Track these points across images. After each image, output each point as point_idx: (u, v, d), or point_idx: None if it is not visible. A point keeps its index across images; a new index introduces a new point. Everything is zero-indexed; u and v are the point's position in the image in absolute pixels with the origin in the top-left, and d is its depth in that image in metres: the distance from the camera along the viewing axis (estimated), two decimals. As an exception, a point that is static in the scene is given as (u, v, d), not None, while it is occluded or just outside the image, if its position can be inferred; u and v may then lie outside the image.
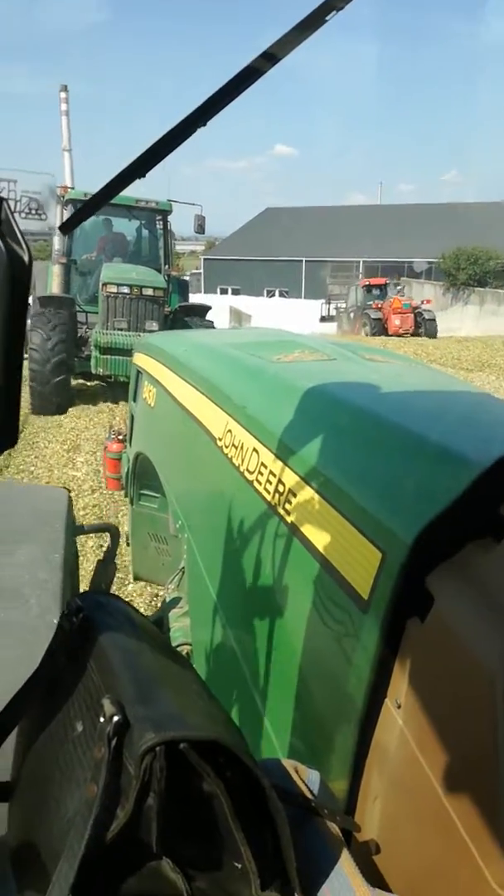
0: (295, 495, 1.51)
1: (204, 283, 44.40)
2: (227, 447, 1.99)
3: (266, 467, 1.68)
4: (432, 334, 21.61)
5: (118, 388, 10.01)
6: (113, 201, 11.30)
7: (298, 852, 0.78)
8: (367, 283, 23.46)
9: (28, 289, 0.54)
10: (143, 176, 0.89)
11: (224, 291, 42.74)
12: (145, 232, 12.07)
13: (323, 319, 26.12)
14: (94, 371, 9.97)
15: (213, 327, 11.23)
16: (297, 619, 1.44)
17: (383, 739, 1.11)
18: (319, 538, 1.36)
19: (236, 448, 1.91)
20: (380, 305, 22.06)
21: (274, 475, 1.63)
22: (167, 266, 11.73)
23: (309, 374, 2.01)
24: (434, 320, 22.09)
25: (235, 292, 41.68)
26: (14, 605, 1.80)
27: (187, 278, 12.93)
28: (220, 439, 2.06)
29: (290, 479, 1.54)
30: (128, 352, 9.03)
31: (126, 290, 9.81)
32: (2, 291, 0.51)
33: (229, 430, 2.00)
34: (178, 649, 2.40)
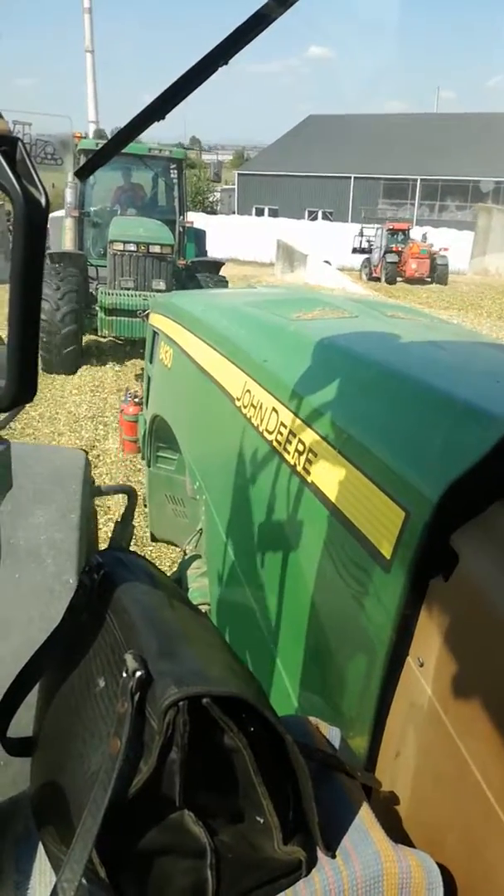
0: (315, 455, 1.49)
1: (237, 202, 39.64)
2: (245, 407, 1.97)
3: (286, 427, 1.66)
4: (443, 280, 22.26)
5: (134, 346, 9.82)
6: (125, 150, 11.11)
7: (320, 807, 0.78)
8: (391, 227, 23.40)
9: (45, 232, 0.51)
10: (163, 118, 0.85)
11: (260, 212, 37.62)
12: (160, 182, 11.66)
13: (355, 251, 24.12)
14: (99, 333, 9.74)
15: (226, 283, 10.91)
16: (318, 578, 1.43)
17: (405, 697, 1.10)
18: (341, 497, 1.34)
19: (255, 408, 1.89)
20: (399, 249, 22.34)
21: (294, 434, 1.61)
22: (182, 217, 11.30)
23: (330, 331, 1.97)
24: (446, 265, 22.49)
25: (273, 213, 36.66)
26: (31, 566, 1.81)
27: (204, 228, 12.43)
28: (239, 399, 2.03)
29: (311, 438, 1.52)
30: (133, 312, 8.75)
31: (133, 247, 9.47)
32: (18, 234, 0.49)
33: (248, 390, 1.98)
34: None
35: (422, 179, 35.79)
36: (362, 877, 0.79)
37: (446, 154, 34.85)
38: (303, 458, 1.54)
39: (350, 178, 36.80)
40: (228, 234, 28.54)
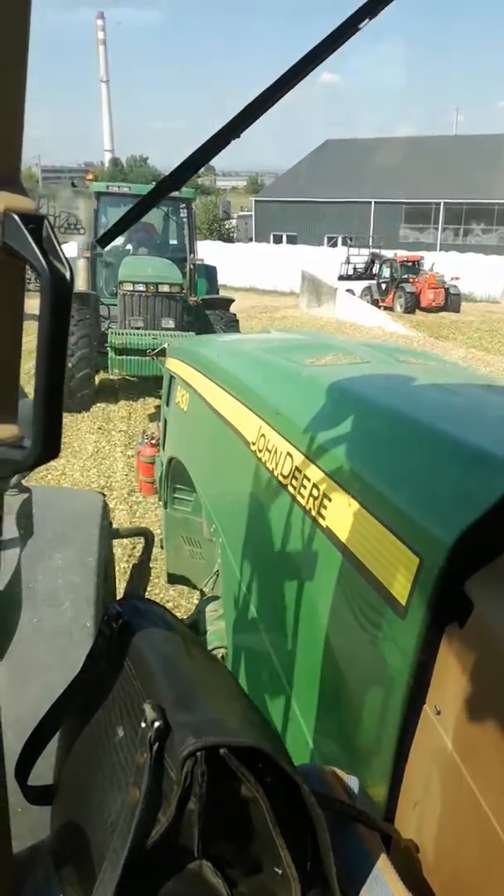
0: (329, 500, 1.50)
1: (255, 229, 38.76)
2: (260, 451, 2.00)
3: (300, 471, 1.68)
4: (456, 308, 22.94)
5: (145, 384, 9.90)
6: (133, 191, 11.30)
7: (338, 858, 0.78)
8: (404, 259, 23.91)
9: (70, 302, 0.55)
10: (179, 189, 0.89)
11: (278, 239, 36.49)
12: (171, 221, 11.94)
13: (341, 279, 23.84)
14: (110, 372, 9.85)
15: (237, 321, 10.99)
16: (334, 623, 1.43)
17: (423, 746, 1.10)
18: (355, 542, 1.36)
19: (270, 452, 1.92)
20: (415, 280, 22.92)
21: (308, 479, 1.63)
22: (192, 255, 11.50)
23: (342, 377, 2.00)
24: (459, 295, 23.21)
25: (291, 240, 35.62)
26: (49, 610, 1.82)
27: (215, 265, 12.58)
28: (254, 444, 2.06)
29: (325, 483, 1.54)
30: (143, 351, 8.83)
31: (142, 287, 9.66)
32: (45, 305, 0.53)
33: (262, 435, 2.01)
34: (214, 652, 2.41)
35: (445, 203, 35.13)
36: None
37: (469, 177, 34.13)
38: (317, 502, 1.56)
39: (370, 203, 36.23)
40: (246, 263, 28.48)
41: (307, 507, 1.60)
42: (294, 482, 1.71)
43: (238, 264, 27.73)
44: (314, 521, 1.55)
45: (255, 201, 40.75)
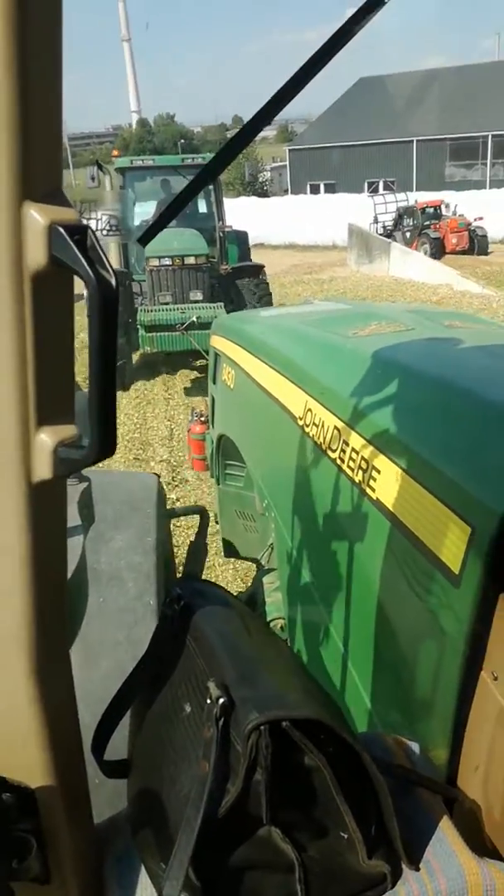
0: (378, 471, 1.51)
1: (290, 180, 36.32)
2: (307, 426, 2.01)
3: (348, 444, 1.69)
4: (484, 250, 21.78)
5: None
6: (158, 163, 11.12)
7: (402, 821, 0.81)
8: (424, 204, 22.73)
9: (117, 308, 0.57)
10: (213, 180, 0.90)
11: (315, 189, 34.19)
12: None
13: (375, 223, 22.41)
14: (141, 350, 9.68)
15: (268, 289, 10.66)
16: (388, 593, 1.45)
17: (482, 710, 1.12)
18: (406, 513, 1.37)
19: (317, 427, 1.93)
20: (437, 226, 21.90)
21: (356, 452, 1.64)
22: (220, 222, 11.12)
23: (387, 347, 1.99)
24: (486, 237, 21.97)
25: (329, 189, 33.56)
26: (113, 590, 1.89)
27: (245, 230, 12.10)
28: (301, 418, 2.08)
29: (373, 455, 1.55)
30: (172, 327, 8.76)
31: (168, 261, 9.45)
32: (93, 312, 0.55)
33: (309, 409, 2.02)
34: (273, 623, 2.46)
35: (493, 136, 31.24)
36: (447, 890, 0.81)
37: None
38: (366, 474, 1.57)
39: (412, 141, 32.73)
40: (283, 218, 26.60)
41: (356, 480, 1.61)
42: (342, 455, 1.72)
43: (274, 220, 26.13)
44: (364, 493, 1.56)
45: (289, 150, 37.75)
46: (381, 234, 22.85)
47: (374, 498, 1.51)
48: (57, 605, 0.70)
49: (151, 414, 9.04)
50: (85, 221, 0.58)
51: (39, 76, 0.51)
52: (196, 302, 9.42)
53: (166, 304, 9.44)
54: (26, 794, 0.72)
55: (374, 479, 1.53)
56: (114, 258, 10.75)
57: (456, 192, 25.39)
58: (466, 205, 23.11)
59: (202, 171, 0.92)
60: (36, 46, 0.50)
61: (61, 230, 0.53)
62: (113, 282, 0.55)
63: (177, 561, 3.22)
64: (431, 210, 22.48)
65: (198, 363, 9.93)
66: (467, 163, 32.87)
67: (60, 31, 0.54)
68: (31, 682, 0.68)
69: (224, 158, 0.89)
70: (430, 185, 27.46)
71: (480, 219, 22.03)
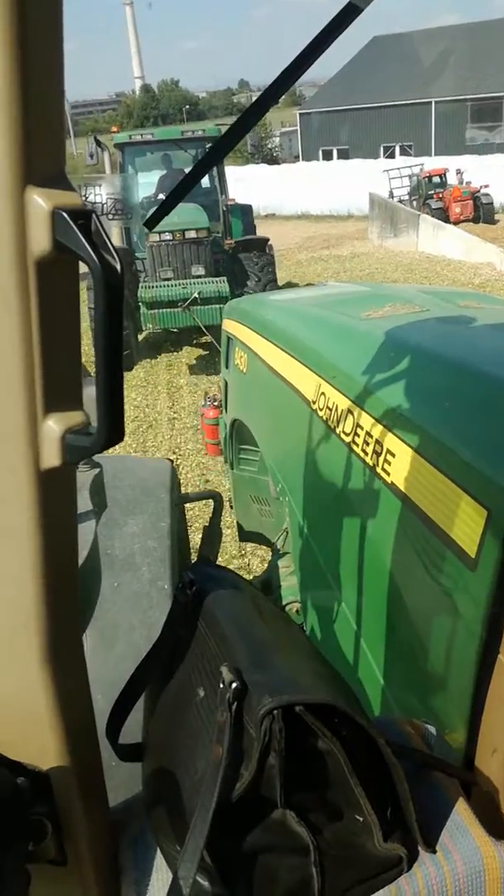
0: (393, 454, 1.50)
1: (301, 146, 34.46)
2: (321, 410, 2.00)
3: (362, 428, 1.68)
4: (490, 219, 20.63)
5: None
6: (159, 137, 10.89)
7: (418, 804, 0.81)
8: (428, 173, 21.68)
9: (122, 293, 0.56)
10: (221, 160, 0.89)
11: (328, 155, 32.24)
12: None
13: (391, 197, 20.79)
14: (143, 328, 9.38)
15: (272, 261, 10.39)
16: (403, 576, 1.44)
17: (499, 694, 1.11)
18: (421, 497, 1.36)
19: (330, 410, 1.92)
20: (441, 195, 20.90)
21: (370, 435, 1.62)
22: (223, 196, 10.88)
23: (400, 330, 1.97)
24: (491, 204, 20.75)
25: (342, 154, 31.51)
26: (127, 574, 1.90)
27: (250, 203, 11.77)
28: (314, 402, 2.06)
29: (387, 438, 1.54)
30: (174, 303, 8.51)
31: (168, 236, 9.19)
32: (98, 297, 0.55)
33: (322, 393, 2.01)
34: (288, 607, 2.47)
35: None
36: (464, 872, 0.81)
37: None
38: (380, 458, 1.56)
39: (430, 102, 30.51)
40: (295, 186, 25.07)
41: (370, 463, 1.60)
42: (356, 439, 1.71)
43: (285, 188, 24.68)
44: (378, 476, 1.55)
45: (300, 114, 35.17)
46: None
47: (389, 481, 1.50)
48: (69, 590, 0.70)
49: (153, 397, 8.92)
50: (85, 197, 0.57)
51: (40, 59, 0.50)
52: (198, 277, 9.18)
53: (168, 279, 9.20)
54: (42, 777, 0.72)
55: (389, 463, 1.52)
56: (115, 237, 10.47)
57: (478, 157, 23.99)
58: (481, 171, 21.92)
59: (208, 153, 0.91)
60: (36, 28, 0.49)
61: (65, 215, 0.53)
62: (118, 267, 0.55)
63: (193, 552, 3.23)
64: (438, 179, 21.50)
65: (203, 339, 9.67)
66: (490, 124, 30.69)
67: (61, 10, 0.53)
68: (45, 666, 0.68)
69: (231, 139, 0.87)
70: (450, 149, 25.71)
71: (486, 186, 20.93)
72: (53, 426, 0.59)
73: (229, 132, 0.87)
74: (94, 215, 0.55)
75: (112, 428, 0.58)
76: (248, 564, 4.87)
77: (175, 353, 10.38)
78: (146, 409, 8.45)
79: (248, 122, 0.85)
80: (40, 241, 0.53)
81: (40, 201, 0.52)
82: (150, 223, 1.02)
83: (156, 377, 9.62)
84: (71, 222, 0.52)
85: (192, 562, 2.61)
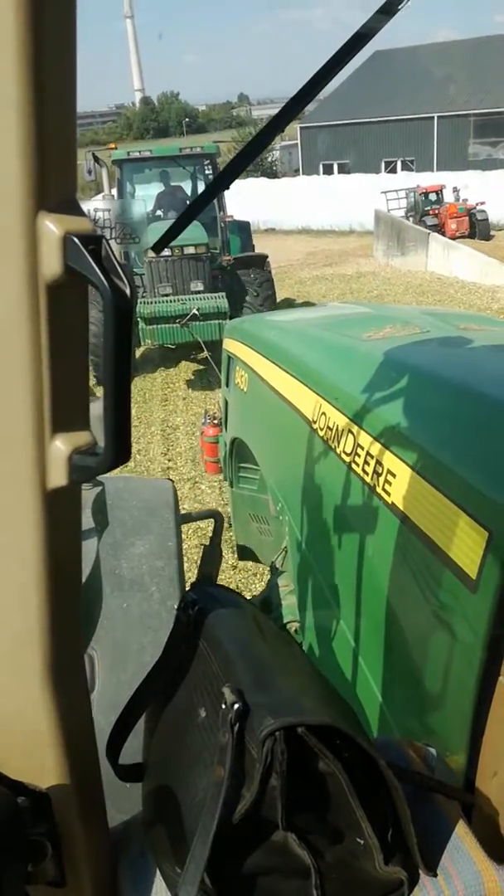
0: (394, 475, 1.51)
1: (301, 160, 34.14)
2: (321, 429, 2.01)
3: (362, 447, 1.69)
4: (485, 235, 20.40)
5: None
6: (157, 153, 10.93)
7: (418, 827, 0.81)
8: (424, 190, 21.53)
9: (131, 316, 0.57)
10: (227, 188, 0.90)
11: (328, 170, 31.88)
12: (198, 179, 11.32)
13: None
14: (142, 343, 9.31)
15: (271, 279, 10.36)
16: (403, 597, 1.44)
17: (499, 716, 1.11)
18: (422, 518, 1.36)
19: (331, 430, 1.93)
20: (436, 212, 20.81)
21: (371, 456, 1.63)
22: (221, 212, 10.80)
23: (401, 351, 1.98)
24: (486, 220, 20.54)
25: (343, 169, 31.04)
26: (137, 595, 1.89)
27: (248, 220, 11.80)
28: (315, 422, 2.07)
29: (387, 459, 1.54)
30: (173, 319, 8.50)
31: (167, 251, 9.09)
32: (108, 321, 0.56)
33: (323, 413, 2.02)
34: (287, 626, 2.46)
35: None
36: (465, 895, 0.81)
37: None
38: (381, 478, 1.56)
39: (432, 118, 30.00)
40: (296, 200, 24.81)
41: (370, 483, 1.61)
42: (357, 459, 1.71)
43: (286, 202, 24.42)
44: (378, 497, 1.56)
45: (301, 128, 34.05)
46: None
47: (389, 502, 1.51)
48: (72, 608, 0.71)
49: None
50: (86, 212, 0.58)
51: (54, 87, 0.52)
52: (197, 293, 9.18)
53: (166, 295, 9.19)
54: (41, 797, 0.72)
55: (389, 483, 1.52)
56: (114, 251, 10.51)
57: (481, 172, 23.88)
58: (484, 187, 21.79)
59: (217, 179, 0.92)
60: (51, 56, 0.50)
61: (76, 240, 0.54)
62: (127, 291, 0.56)
63: (185, 566, 3.22)
64: (434, 196, 21.42)
65: (200, 356, 9.59)
66: (493, 140, 30.23)
67: (74, 36, 0.54)
68: (46, 684, 0.68)
69: (240, 163, 0.89)
70: (452, 165, 25.50)
71: (482, 203, 20.84)
72: (61, 446, 0.59)
73: (237, 158, 0.89)
74: (104, 240, 0.56)
75: (119, 449, 0.59)
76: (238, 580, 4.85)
77: (172, 370, 10.38)
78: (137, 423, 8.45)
79: (257, 147, 0.87)
80: (51, 265, 0.54)
81: (52, 227, 0.53)
82: (158, 248, 1.03)
83: (152, 391, 9.67)
84: (82, 247, 0.53)
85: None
